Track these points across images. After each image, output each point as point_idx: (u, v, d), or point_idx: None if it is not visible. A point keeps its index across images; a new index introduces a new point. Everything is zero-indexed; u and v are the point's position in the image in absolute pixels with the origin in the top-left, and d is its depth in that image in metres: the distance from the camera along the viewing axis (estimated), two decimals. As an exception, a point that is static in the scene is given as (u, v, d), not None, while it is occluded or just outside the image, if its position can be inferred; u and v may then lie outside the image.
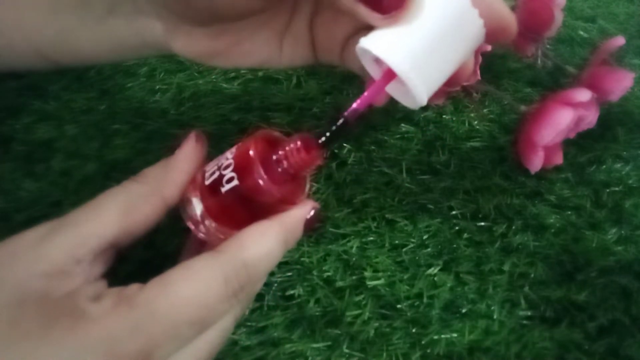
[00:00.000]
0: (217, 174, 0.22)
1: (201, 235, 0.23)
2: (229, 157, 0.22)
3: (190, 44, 0.27)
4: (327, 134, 0.22)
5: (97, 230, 0.21)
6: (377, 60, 0.22)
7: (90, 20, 0.27)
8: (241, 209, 0.22)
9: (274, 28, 0.27)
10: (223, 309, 0.21)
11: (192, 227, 0.23)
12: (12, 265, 0.20)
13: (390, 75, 0.21)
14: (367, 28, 0.27)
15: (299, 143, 0.22)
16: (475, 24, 0.20)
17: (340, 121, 0.21)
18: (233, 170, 0.22)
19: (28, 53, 0.29)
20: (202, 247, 0.26)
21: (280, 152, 0.22)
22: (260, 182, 0.21)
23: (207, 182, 0.23)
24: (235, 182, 0.21)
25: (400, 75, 0.20)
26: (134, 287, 0.20)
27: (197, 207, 0.23)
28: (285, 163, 0.22)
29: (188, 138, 0.24)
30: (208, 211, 0.23)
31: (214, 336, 0.23)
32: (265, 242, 0.22)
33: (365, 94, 0.21)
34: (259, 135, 0.23)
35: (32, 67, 0.30)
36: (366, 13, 0.19)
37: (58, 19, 0.27)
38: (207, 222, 0.23)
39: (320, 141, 0.22)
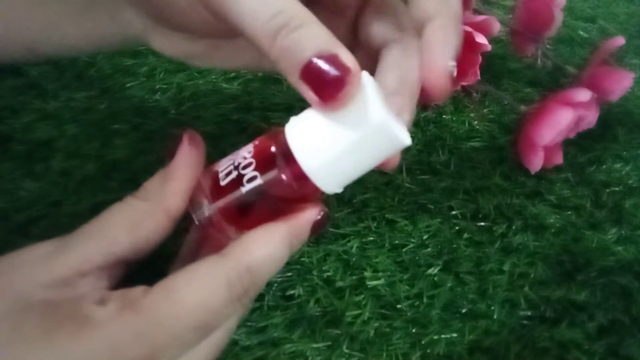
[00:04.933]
0: (235, 174, 0.22)
1: (210, 237, 0.23)
2: (247, 156, 0.22)
3: (167, 44, 0.27)
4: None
5: (103, 248, 0.21)
6: None
7: (74, 12, 0.27)
8: (259, 208, 0.22)
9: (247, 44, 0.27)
10: (227, 313, 0.21)
11: (201, 229, 0.23)
12: (17, 275, 0.20)
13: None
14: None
15: None
16: (396, 144, 0.20)
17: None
18: (255, 169, 0.21)
19: (15, 46, 0.29)
20: (202, 242, 0.25)
21: None
22: (283, 177, 0.21)
23: (222, 183, 0.22)
24: (258, 181, 0.21)
25: (305, 172, 0.21)
26: (138, 291, 0.20)
27: (207, 209, 0.23)
28: None
29: (181, 142, 0.24)
30: (221, 212, 0.22)
31: (218, 338, 0.23)
32: (269, 246, 0.21)
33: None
34: (279, 132, 0.23)
35: (19, 59, 0.30)
36: (306, 93, 0.19)
37: (44, 11, 0.27)
38: (217, 223, 0.23)
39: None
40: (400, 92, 0.22)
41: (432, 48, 0.22)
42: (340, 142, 0.20)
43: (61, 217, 0.33)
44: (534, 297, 0.33)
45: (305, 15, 0.20)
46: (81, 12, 0.27)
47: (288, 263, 0.33)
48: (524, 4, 0.45)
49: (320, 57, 0.19)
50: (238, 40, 0.27)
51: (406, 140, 0.20)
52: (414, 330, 0.31)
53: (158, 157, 0.37)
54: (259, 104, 0.41)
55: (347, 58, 0.19)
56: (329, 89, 0.19)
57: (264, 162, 0.21)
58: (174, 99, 0.42)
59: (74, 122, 0.39)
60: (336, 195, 0.36)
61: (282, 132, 0.22)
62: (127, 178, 0.35)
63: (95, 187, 0.35)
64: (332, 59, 0.19)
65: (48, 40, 0.28)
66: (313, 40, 0.19)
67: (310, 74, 0.19)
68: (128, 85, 0.42)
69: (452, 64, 0.22)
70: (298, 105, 0.42)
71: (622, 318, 0.32)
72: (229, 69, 0.28)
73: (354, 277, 0.32)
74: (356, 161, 0.21)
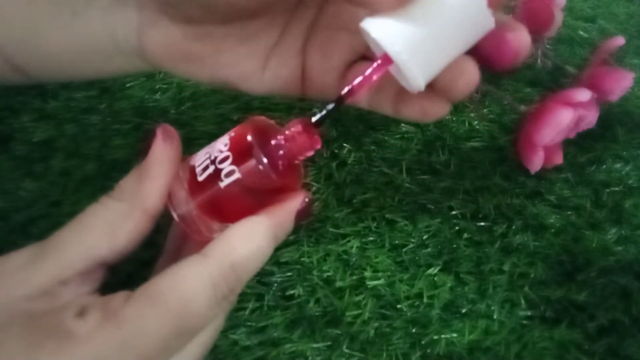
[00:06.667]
0: (212, 169, 0.21)
1: (192, 232, 0.23)
2: (223, 149, 0.22)
3: (164, 41, 0.24)
4: (322, 112, 0.21)
5: (82, 253, 0.21)
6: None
7: (66, 12, 0.25)
8: (240, 201, 0.22)
9: (261, 43, 0.25)
10: (213, 314, 0.20)
11: (182, 224, 0.23)
12: (1, 287, 0.20)
13: (388, 59, 0.20)
14: (367, 52, 0.25)
15: (300, 127, 0.21)
16: (482, 12, 0.19)
17: (336, 100, 0.21)
18: (232, 163, 0.21)
19: None
20: (185, 236, 0.25)
21: (279, 137, 0.22)
22: (261, 167, 0.21)
23: (200, 179, 0.22)
24: (236, 175, 0.21)
25: (395, 60, 0.20)
26: (120, 298, 0.20)
27: (187, 205, 0.22)
28: (285, 147, 0.21)
29: (155, 138, 0.23)
30: (200, 207, 0.22)
31: (205, 336, 0.22)
32: (253, 240, 0.21)
33: (364, 75, 0.21)
34: (253, 122, 0.22)
35: None
36: None
37: (33, 10, 0.25)
38: (198, 218, 0.22)
39: (314, 119, 0.21)
40: None
41: None
42: (428, 19, 0.19)
43: (61, 217, 0.33)
44: (534, 297, 0.33)
45: None
46: (74, 12, 0.25)
47: (288, 263, 0.33)
48: (524, 4, 0.45)
49: None
50: (241, 47, 0.25)
51: (492, 21, 0.19)
52: (414, 330, 0.31)
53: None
54: (259, 104, 0.41)
55: None
56: None
57: (241, 154, 0.21)
58: (174, 99, 0.42)
59: (73, 122, 0.39)
60: (336, 195, 0.36)
61: (257, 120, 0.22)
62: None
63: (95, 187, 0.35)
64: None
65: (29, 47, 0.26)
66: None
67: None
68: (128, 85, 0.42)
69: None
70: (298, 105, 0.42)
71: (622, 318, 0.32)
72: (225, 81, 0.26)
73: (354, 277, 0.32)
74: (446, 41, 0.20)
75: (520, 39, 0.22)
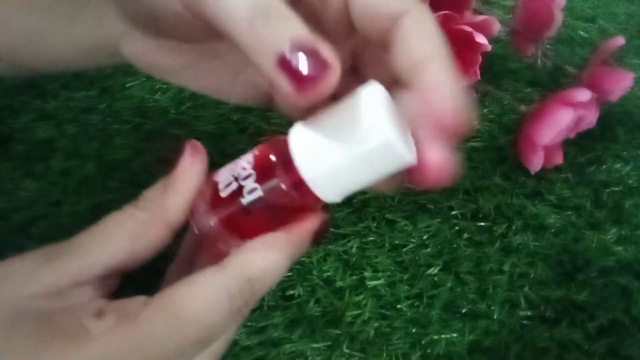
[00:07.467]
0: (235, 185, 0.22)
1: (211, 246, 0.23)
2: (246, 167, 0.22)
3: (139, 52, 0.25)
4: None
5: (101, 258, 0.21)
6: None
7: (62, 20, 0.26)
8: (260, 219, 0.22)
9: (230, 60, 0.26)
10: (227, 326, 0.21)
11: (202, 238, 0.23)
12: (9, 285, 0.20)
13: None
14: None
15: None
16: (399, 155, 0.19)
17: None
18: (256, 181, 0.21)
19: None
20: (201, 246, 0.25)
21: None
22: (283, 186, 0.21)
23: (222, 195, 0.22)
24: (259, 193, 0.21)
25: (307, 183, 0.20)
26: (137, 302, 0.20)
27: (208, 219, 0.23)
28: None
29: (184, 153, 0.23)
30: (222, 222, 0.22)
31: (217, 347, 0.23)
32: (270, 256, 0.21)
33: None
34: (278, 140, 0.23)
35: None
36: (281, 82, 0.18)
37: (31, 18, 0.26)
38: (218, 233, 0.23)
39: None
40: (434, 57, 0.19)
41: (437, 89, 0.19)
42: (341, 154, 0.19)
43: (61, 217, 0.33)
44: (534, 297, 0.33)
45: (286, 8, 0.19)
46: (69, 18, 0.26)
47: (288, 263, 0.33)
48: (524, 4, 0.45)
49: (299, 47, 0.18)
50: (209, 64, 0.26)
51: (411, 158, 0.20)
52: (414, 330, 0.31)
53: (158, 157, 0.37)
54: (259, 104, 0.42)
55: (328, 52, 0.18)
56: (306, 80, 0.18)
57: (264, 173, 0.21)
58: (174, 99, 0.42)
59: (74, 122, 0.39)
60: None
61: (282, 141, 0.22)
62: (127, 178, 0.35)
63: (95, 187, 0.35)
64: (312, 51, 0.18)
65: (32, 50, 0.27)
66: (293, 29, 0.18)
67: (288, 62, 0.18)
68: (128, 85, 0.42)
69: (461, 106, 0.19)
70: (298, 105, 0.42)
71: (622, 318, 0.32)
72: (198, 91, 0.27)
73: (354, 277, 0.32)
74: (356, 175, 0.20)
75: (436, 162, 0.20)
